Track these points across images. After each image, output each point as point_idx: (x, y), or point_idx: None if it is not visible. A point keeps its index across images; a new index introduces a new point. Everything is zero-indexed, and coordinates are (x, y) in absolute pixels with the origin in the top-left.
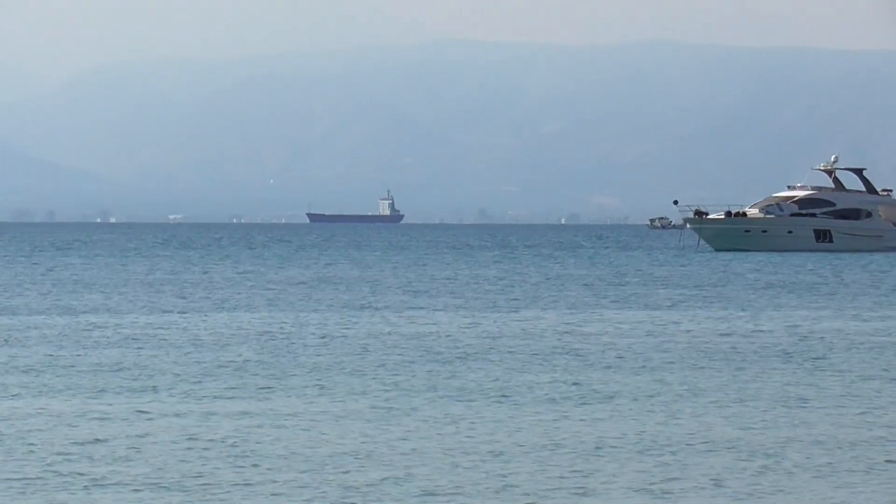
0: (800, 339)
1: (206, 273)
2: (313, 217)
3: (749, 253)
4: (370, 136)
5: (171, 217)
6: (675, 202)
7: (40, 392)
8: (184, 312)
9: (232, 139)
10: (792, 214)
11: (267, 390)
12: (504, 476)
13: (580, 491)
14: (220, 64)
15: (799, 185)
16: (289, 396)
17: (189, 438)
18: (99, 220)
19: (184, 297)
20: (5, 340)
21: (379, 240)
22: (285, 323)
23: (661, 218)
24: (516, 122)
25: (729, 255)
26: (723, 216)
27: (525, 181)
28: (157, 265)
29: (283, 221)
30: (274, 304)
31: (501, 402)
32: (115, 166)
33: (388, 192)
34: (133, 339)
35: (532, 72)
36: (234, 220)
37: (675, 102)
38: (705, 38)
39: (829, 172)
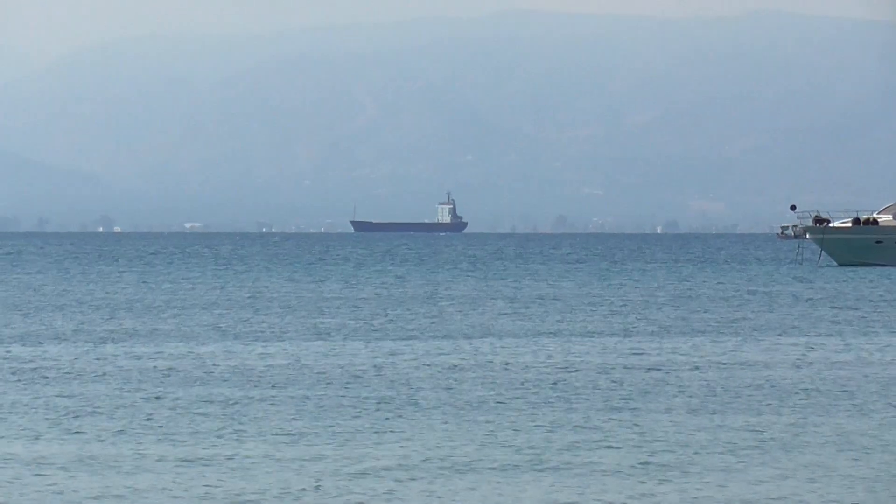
0: None
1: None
2: (359, 225)
3: (881, 268)
4: (424, 127)
5: (188, 225)
6: (793, 207)
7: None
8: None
9: (257, 132)
10: None
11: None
12: None
13: None
14: (241, 41)
15: None
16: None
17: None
18: (101, 230)
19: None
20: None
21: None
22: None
23: (795, 225)
24: (600, 110)
25: (856, 271)
26: (849, 224)
27: (611, 182)
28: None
29: (323, 231)
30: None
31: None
32: (117, 165)
33: (449, 194)
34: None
35: (619, 50)
36: (263, 230)
37: (793, 86)
38: (829, 9)
39: None
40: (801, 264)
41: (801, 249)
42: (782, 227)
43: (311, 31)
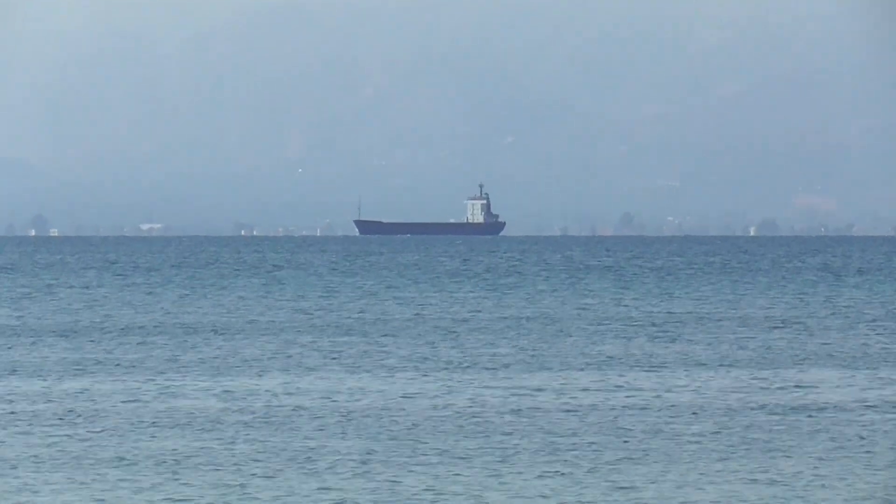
0: None
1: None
2: (364, 226)
3: None
4: (449, 103)
5: (145, 227)
6: None
7: None
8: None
9: (235, 108)
10: None
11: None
12: None
13: None
14: None
15: None
16: None
17: None
18: (33, 233)
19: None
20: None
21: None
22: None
23: None
24: (676, 80)
25: None
26: None
27: (691, 172)
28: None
29: (319, 233)
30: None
31: None
32: (54, 152)
33: (481, 188)
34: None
35: (698, 3)
36: (243, 232)
37: None
38: None
39: None
40: None
41: None
42: None
43: None
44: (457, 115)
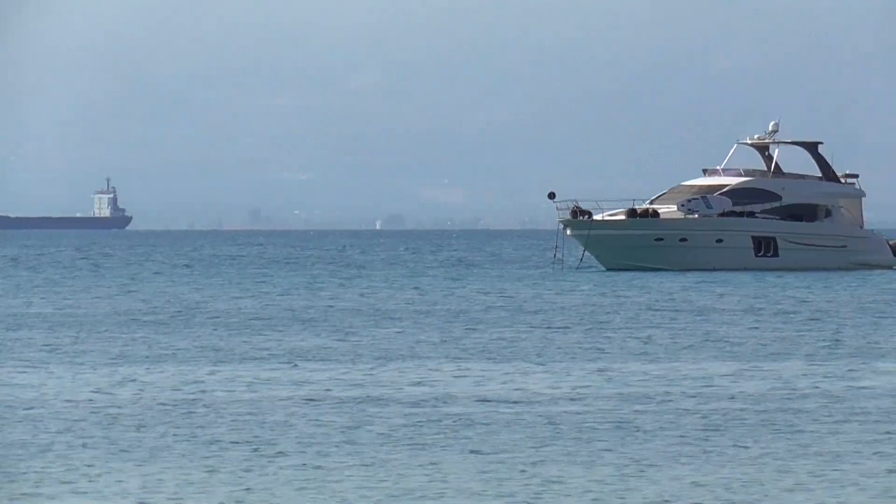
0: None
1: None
2: None
3: (659, 273)
4: (76, 94)
5: None
6: (552, 195)
7: None
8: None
9: None
10: (722, 214)
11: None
12: None
13: None
14: None
15: (722, 167)
16: None
17: None
18: None
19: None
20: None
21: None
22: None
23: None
24: (306, 72)
25: (628, 276)
26: (622, 216)
27: (323, 165)
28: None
29: None
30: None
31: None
32: None
33: (108, 181)
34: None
35: None
36: None
37: (559, 41)
38: None
39: (763, 148)
40: (562, 267)
41: (559, 248)
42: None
43: None
44: (85, 107)
